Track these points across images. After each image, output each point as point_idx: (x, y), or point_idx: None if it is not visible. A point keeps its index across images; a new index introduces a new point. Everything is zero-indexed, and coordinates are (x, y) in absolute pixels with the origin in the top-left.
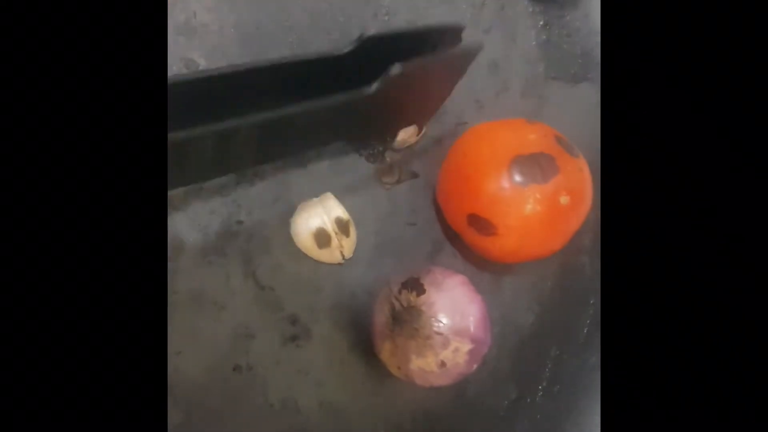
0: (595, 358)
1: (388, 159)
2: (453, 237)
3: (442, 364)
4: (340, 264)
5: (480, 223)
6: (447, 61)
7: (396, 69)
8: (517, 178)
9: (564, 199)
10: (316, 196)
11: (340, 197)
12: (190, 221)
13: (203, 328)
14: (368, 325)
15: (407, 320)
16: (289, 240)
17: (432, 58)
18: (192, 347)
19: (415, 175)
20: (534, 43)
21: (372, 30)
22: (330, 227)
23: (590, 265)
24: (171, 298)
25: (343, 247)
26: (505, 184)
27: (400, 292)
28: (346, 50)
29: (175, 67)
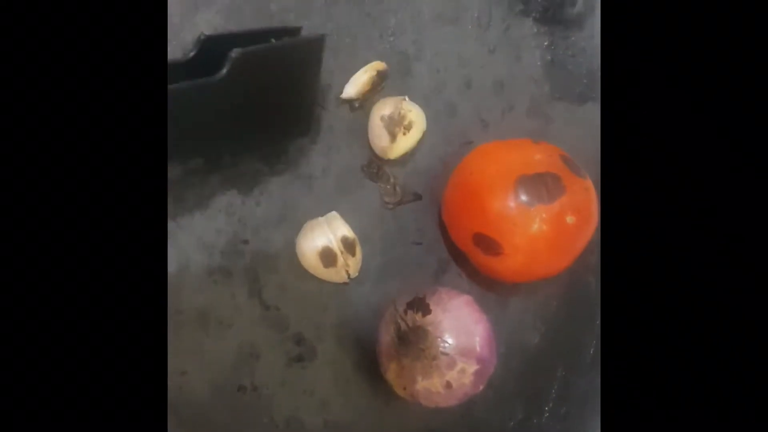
0: None
1: (392, 179)
2: (459, 257)
3: (448, 384)
4: (345, 283)
5: (486, 243)
6: (290, 49)
7: (236, 52)
8: (523, 197)
9: (570, 219)
10: (322, 216)
11: (346, 216)
12: (196, 240)
13: (208, 348)
14: (374, 344)
15: (413, 340)
16: (294, 259)
17: (272, 45)
18: (197, 367)
19: (417, 197)
20: (539, 63)
21: (209, 31)
22: (336, 246)
23: (596, 285)
24: (176, 317)
25: (349, 267)
26: (511, 203)
27: (405, 312)
28: (190, 55)
29: None
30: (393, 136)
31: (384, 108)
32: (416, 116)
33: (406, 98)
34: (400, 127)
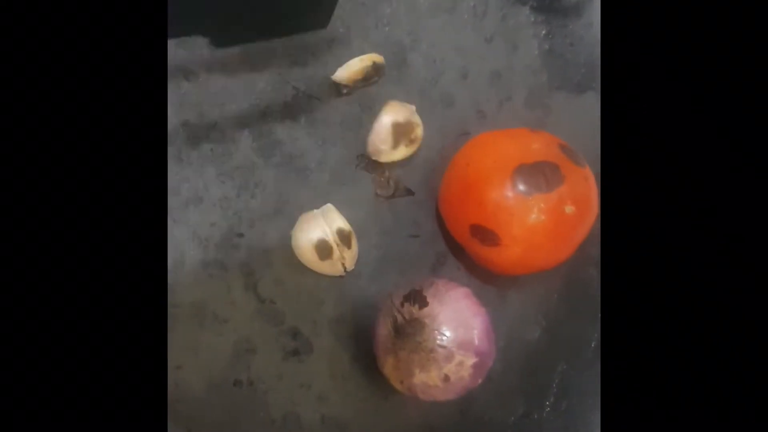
0: None
1: (386, 173)
2: (457, 249)
3: (446, 378)
4: (341, 276)
5: (483, 234)
6: None
7: None
8: (521, 187)
9: (569, 209)
10: (317, 208)
11: (342, 209)
12: (191, 234)
13: (204, 342)
14: (371, 338)
15: (410, 333)
16: (290, 252)
17: None
18: (192, 361)
19: (410, 193)
20: (537, 52)
21: None
22: (331, 239)
23: (598, 278)
24: (171, 311)
25: (345, 259)
26: (509, 193)
27: (402, 305)
28: None
29: (174, 79)
30: (396, 144)
31: (396, 113)
32: (420, 130)
33: (414, 108)
34: (407, 139)
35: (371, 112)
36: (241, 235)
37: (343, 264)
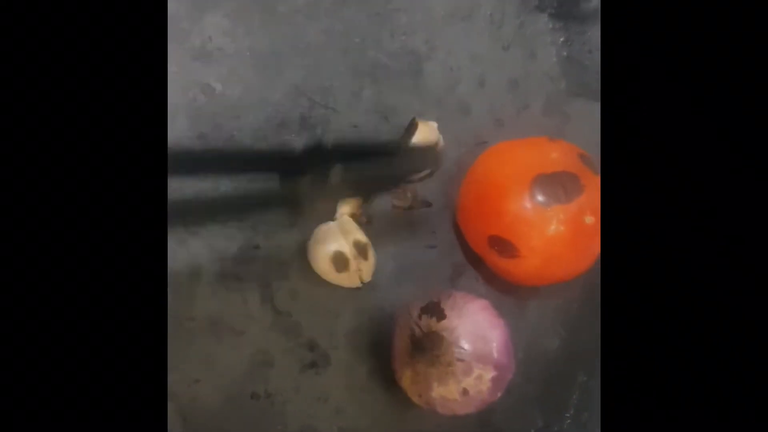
0: None
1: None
2: (475, 260)
3: (465, 392)
4: (358, 288)
5: (502, 245)
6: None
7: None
8: (540, 198)
9: (589, 219)
10: (334, 220)
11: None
12: (207, 247)
13: (221, 355)
14: (388, 350)
15: (428, 346)
16: (306, 264)
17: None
18: (209, 375)
19: (427, 204)
20: (555, 59)
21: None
22: (348, 250)
23: None
24: (188, 324)
25: (362, 271)
26: (527, 204)
27: (420, 318)
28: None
29: (191, 93)
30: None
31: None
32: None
33: (436, 125)
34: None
35: (388, 123)
36: (257, 247)
37: (360, 276)
